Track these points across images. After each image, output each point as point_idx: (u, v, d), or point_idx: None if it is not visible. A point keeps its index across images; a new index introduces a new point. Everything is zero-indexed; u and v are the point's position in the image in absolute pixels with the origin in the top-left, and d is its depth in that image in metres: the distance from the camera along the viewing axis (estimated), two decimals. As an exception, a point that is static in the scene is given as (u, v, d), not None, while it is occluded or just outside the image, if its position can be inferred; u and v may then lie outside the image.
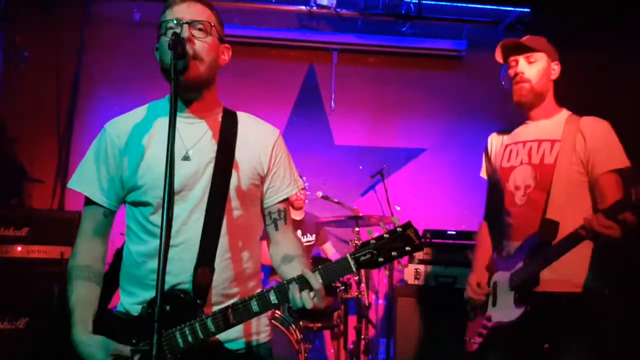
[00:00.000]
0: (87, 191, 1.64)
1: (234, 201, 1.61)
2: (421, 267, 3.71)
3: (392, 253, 1.45)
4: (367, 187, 4.99)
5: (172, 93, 1.38)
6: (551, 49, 2.21)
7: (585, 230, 1.84)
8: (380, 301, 4.78)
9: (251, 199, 1.68)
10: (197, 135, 1.63)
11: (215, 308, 1.52)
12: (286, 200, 1.76)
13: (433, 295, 3.62)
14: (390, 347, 3.82)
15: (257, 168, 1.67)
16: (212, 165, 1.60)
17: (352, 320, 4.06)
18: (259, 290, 1.59)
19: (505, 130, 2.37)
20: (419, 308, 3.61)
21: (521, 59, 2.18)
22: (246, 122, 1.72)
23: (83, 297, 1.57)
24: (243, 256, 1.65)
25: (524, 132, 2.25)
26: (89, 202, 1.66)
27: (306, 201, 4.46)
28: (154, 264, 1.53)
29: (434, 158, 5.05)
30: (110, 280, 1.68)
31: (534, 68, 2.16)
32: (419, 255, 3.70)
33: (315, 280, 1.44)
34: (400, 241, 1.45)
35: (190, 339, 1.47)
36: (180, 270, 1.54)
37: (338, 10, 4.79)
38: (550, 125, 2.18)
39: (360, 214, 4.03)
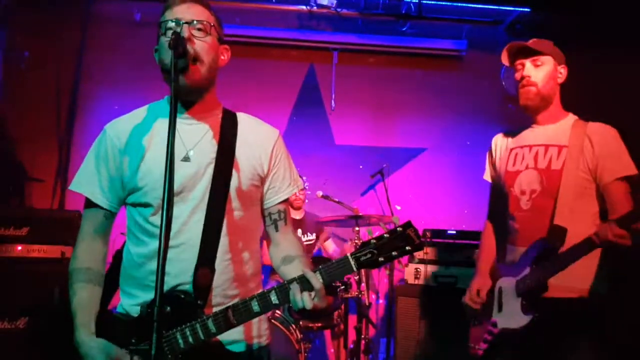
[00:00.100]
0: (87, 192, 1.64)
1: (234, 202, 1.61)
2: (421, 267, 3.70)
3: (393, 253, 1.45)
4: (367, 186, 4.99)
5: (172, 94, 1.38)
6: (558, 52, 2.19)
7: (598, 239, 1.84)
8: (381, 301, 4.77)
9: (251, 199, 1.68)
10: (197, 136, 1.62)
11: (216, 309, 1.52)
12: (286, 200, 1.76)
13: (433, 294, 3.61)
14: (391, 346, 3.82)
15: (257, 169, 1.67)
16: (212, 166, 1.59)
17: (353, 319, 4.05)
18: (259, 290, 1.59)
19: (511, 132, 2.34)
20: (419, 308, 3.60)
21: (528, 63, 2.16)
22: (246, 123, 1.72)
23: (85, 299, 1.57)
24: (243, 257, 1.65)
25: (530, 135, 2.24)
26: (89, 203, 1.65)
27: (305, 201, 4.46)
28: (153, 265, 1.51)
29: (434, 158, 5.05)
30: (109, 282, 1.67)
31: (541, 72, 2.14)
32: (419, 254, 3.70)
33: (316, 280, 1.44)
34: (401, 241, 1.45)
35: (191, 339, 1.47)
36: (181, 271, 1.54)
37: (338, 10, 4.79)
38: (556, 129, 2.16)
39: (361, 214, 4.02)
